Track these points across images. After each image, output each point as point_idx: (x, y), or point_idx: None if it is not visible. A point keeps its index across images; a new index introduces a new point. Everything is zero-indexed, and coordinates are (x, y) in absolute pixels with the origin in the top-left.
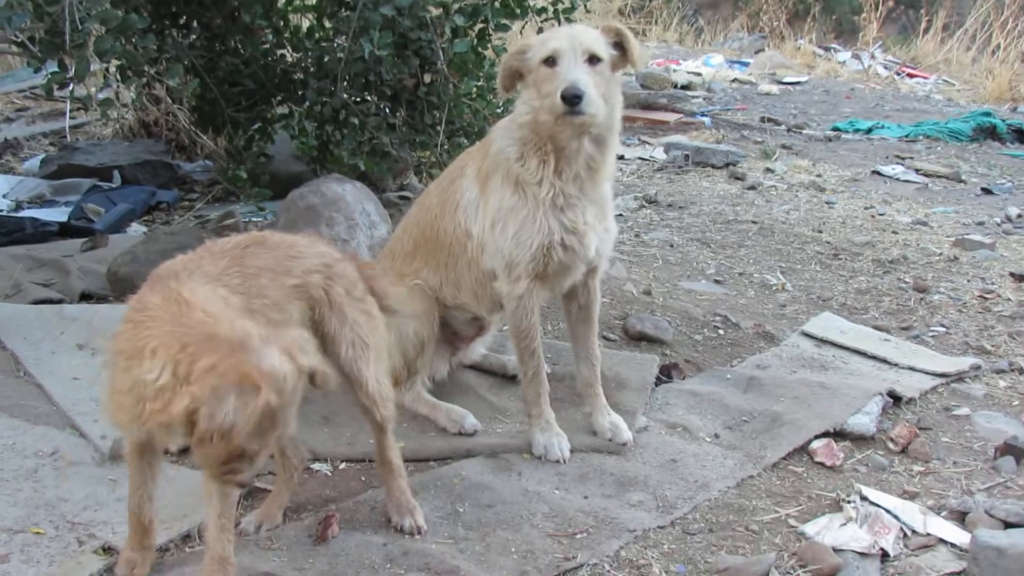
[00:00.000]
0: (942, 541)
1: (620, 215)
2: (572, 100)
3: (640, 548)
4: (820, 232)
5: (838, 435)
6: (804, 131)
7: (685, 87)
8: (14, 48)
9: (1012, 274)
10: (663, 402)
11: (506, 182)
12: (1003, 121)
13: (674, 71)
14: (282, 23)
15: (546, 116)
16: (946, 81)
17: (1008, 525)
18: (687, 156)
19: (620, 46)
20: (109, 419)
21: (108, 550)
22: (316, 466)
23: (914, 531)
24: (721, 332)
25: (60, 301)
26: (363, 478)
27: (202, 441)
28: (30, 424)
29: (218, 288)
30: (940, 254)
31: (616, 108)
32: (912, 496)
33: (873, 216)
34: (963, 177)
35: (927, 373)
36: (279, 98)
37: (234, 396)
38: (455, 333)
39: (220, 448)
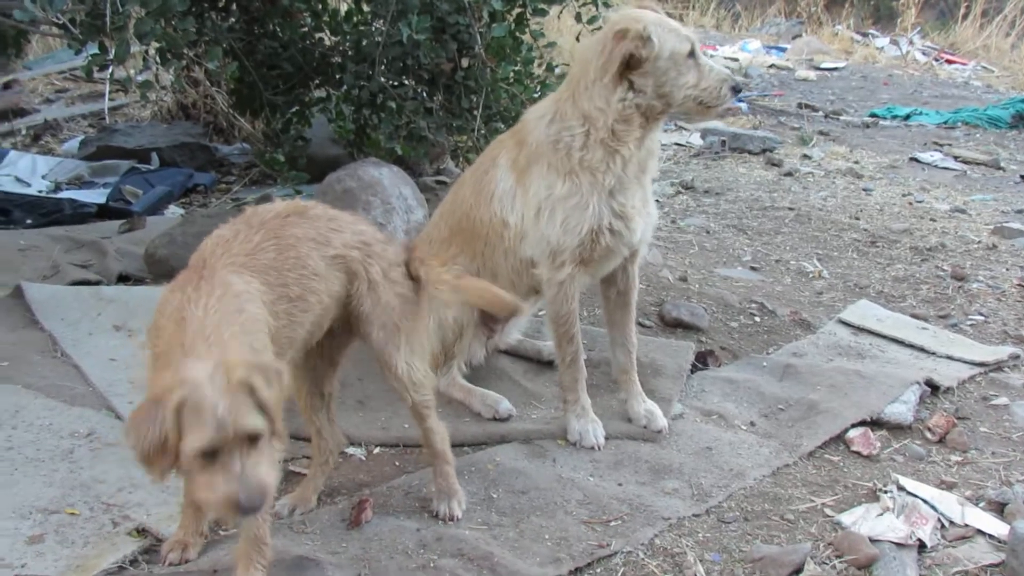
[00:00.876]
0: (980, 532)
1: (657, 201)
2: (738, 90)
3: (675, 536)
4: (857, 219)
5: (875, 424)
6: (841, 117)
7: None
8: (55, 30)
9: None
10: (698, 389)
11: (553, 171)
12: None
13: (711, 56)
14: (320, 6)
15: (689, 103)
16: (985, 67)
17: None
18: (724, 142)
19: None
20: None
21: (142, 532)
22: (350, 450)
23: (952, 522)
24: (757, 319)
25: (98, 282)
26: (397, 463)
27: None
28: (67, 405)
29: (243, 275)
30: (979, 242)
31: None
32: (950, 486)
33: (911, 203)
34: (1002, 164)
35: (965, 362)
36: (317, 81)
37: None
38: (491, 316)
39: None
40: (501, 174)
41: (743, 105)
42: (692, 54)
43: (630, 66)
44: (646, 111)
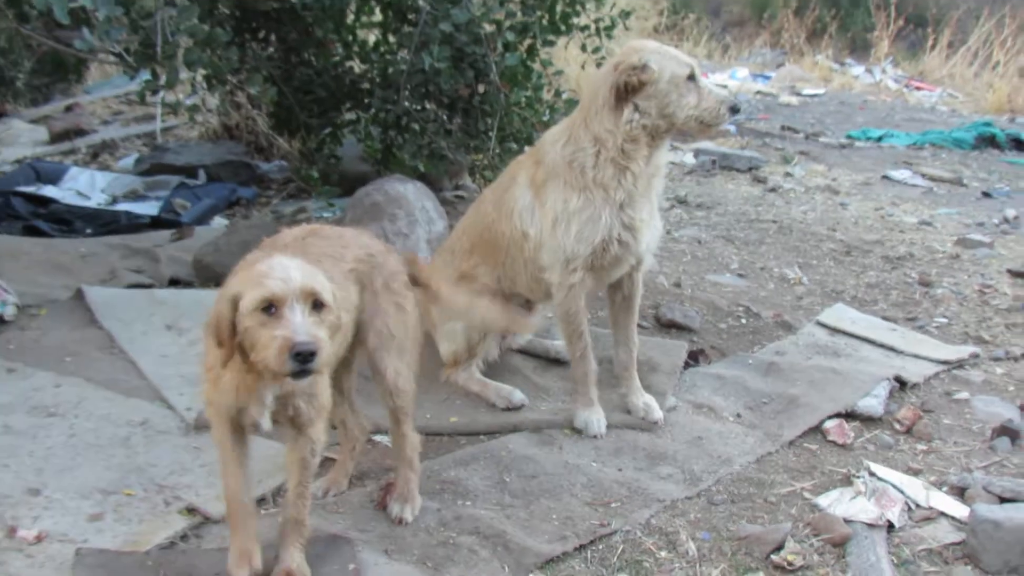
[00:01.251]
0: (943, 514)
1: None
2: (737, 110)
3: (669, 517)
4: (834, 231)
5: (849, 416)
6: (820, 139)
7: None
8: (111, 58)
9: (1009, 271)
10: (691, 384)
11: (567, 187)
12: (1002, 131)
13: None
14: (351, 38)
15: (691, 123)
16: (950, 94)
17: (1003, 500)
18: (714, 161)
19: None
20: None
21: (192, 511)
22: (377, 438)
23: (918, 504)
24: (744, 321)
25: (151, 286)
26: (419, 449)
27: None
28: (123, 396)
29: None
30: (943, 252)
31: None
32: (916, 472)
33: (882, 217)
34: (965, 182)
35: (930, 360)
36: (347, 105)
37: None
38: None
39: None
40: (521, 191)
41: (732, 128)
42: (692, 77)
43: (633, 91)
44: (652, 131)
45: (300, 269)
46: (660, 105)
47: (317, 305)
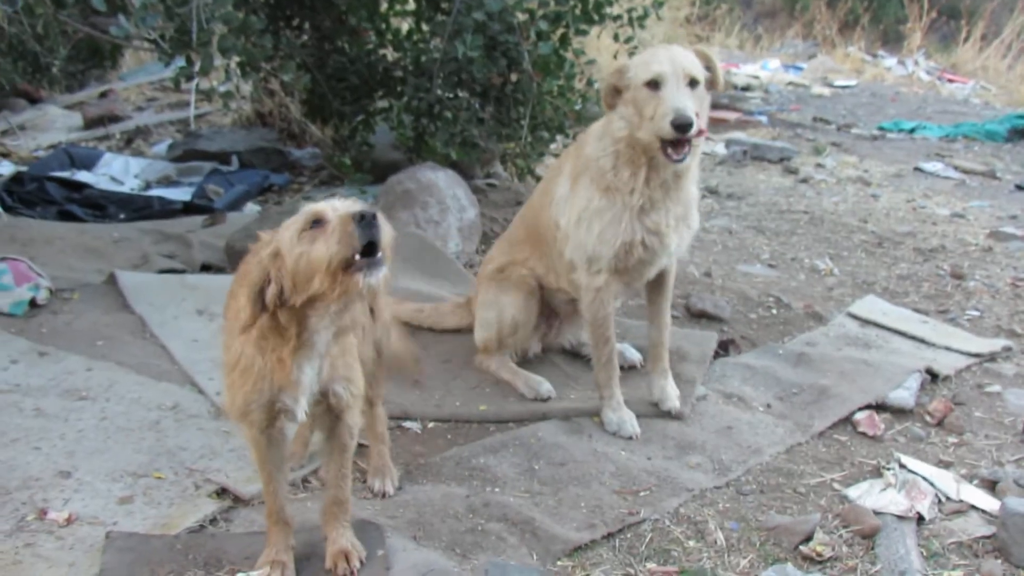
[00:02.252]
0: (973, 507)
1: None
2: (683, 128)
3: (697, 506)
4: (865, 222)
5: (879, 408)
6: (852, 130)
7: (744, 88)
8: (147, 44)
9: None
10: (721, 374)
11: (594, 186)
12: None
13: (735, 74)
14: (384, 26)
15: (646, 135)
16: (983, 86)
17: None
18: (745, 151)
19: (708, 70)
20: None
21: (222, 494)
22: (407, 424)
23: (948, 497)
24: (774, 312)
25: (183, 271)
26: (449, 436)
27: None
28: (155, 380)
29: None
30: (976, 244)
31: (703, 122)
32: (947, 465)
33: (914, 208)
34: (998, 174)
35: (962, 353)
36: (380, 93)
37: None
38: (554, 311)
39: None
40: (562, 180)
41: (763, 118)
42: (653, 84)
43: (618, 95)
44: (641, 141)
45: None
46: (635, 111)
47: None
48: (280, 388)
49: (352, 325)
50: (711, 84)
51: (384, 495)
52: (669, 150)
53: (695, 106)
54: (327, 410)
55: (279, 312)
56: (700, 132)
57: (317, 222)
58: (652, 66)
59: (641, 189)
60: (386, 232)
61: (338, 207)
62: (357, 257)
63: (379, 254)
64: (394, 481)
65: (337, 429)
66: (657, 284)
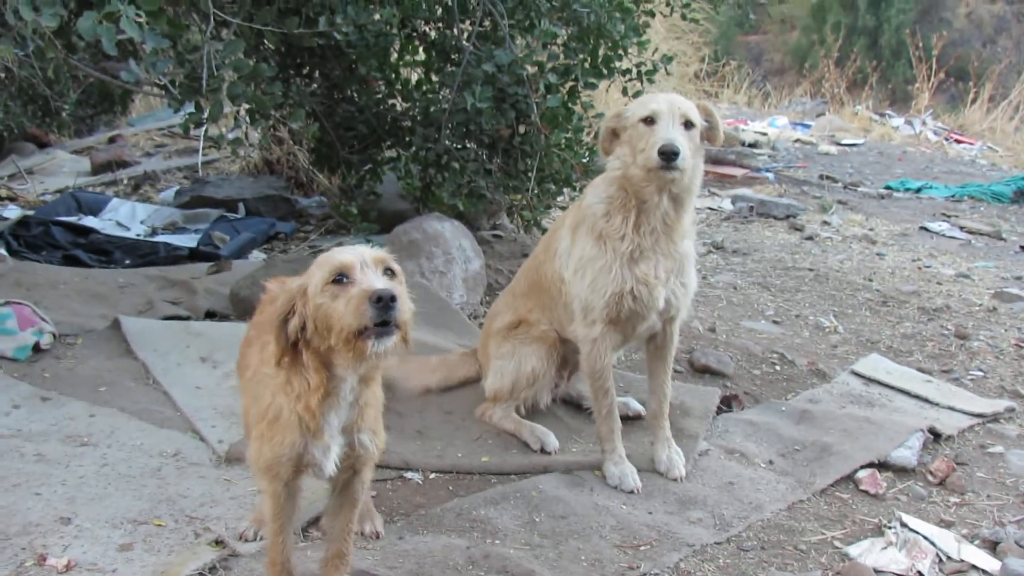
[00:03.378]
0: (974, 567)
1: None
2: (669, 156)
3: (698, 561)
4: (871, 280)
5: (882, 466)
6: (859, 188)
7: (752, 145)
8: (156, 90)
9: None
10: (723, 429)
11: (589, 234)
12: None
13: (742, 130)
14: (393, 76)
15: (637, 170)
16: (990, 147)
17: None
18: (751, 207)
19: (707, 122)
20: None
21: (221, 543)
22: (408, 475)
23: (949, 557)
24: (778, 368)
25: (187, 318)
26: (450, 487)
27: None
28: (156, 427)
29: None
30: (980, 305)
31: (697, 173)
32: (948, 525)
33: (920, 268)
34: (1003, 235)
35: (965, 413)
36: (388, 143)
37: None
38: (564, 361)
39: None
40: (564, 233)
41: (770, 175)
42: (648, 120)
43: (616, 137)
44: (633, 178)
45: (368, 248)
46: (631, 150)
47: (389, 272)
48: (309, 440)
49: (376, 375)
50: (710, 137)
51: (378, 535)
52: (662, 166)
53: (688, 144)
54: (347, 463)
55: (304, 351)
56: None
57: (341, 276)
58: (650, 105)
59: (631, 236)
60: (404, 311)
61: (367, 262)
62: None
63: (390, 331)
64: (380, 523)
65: (352, 483)
66: (656, 350)
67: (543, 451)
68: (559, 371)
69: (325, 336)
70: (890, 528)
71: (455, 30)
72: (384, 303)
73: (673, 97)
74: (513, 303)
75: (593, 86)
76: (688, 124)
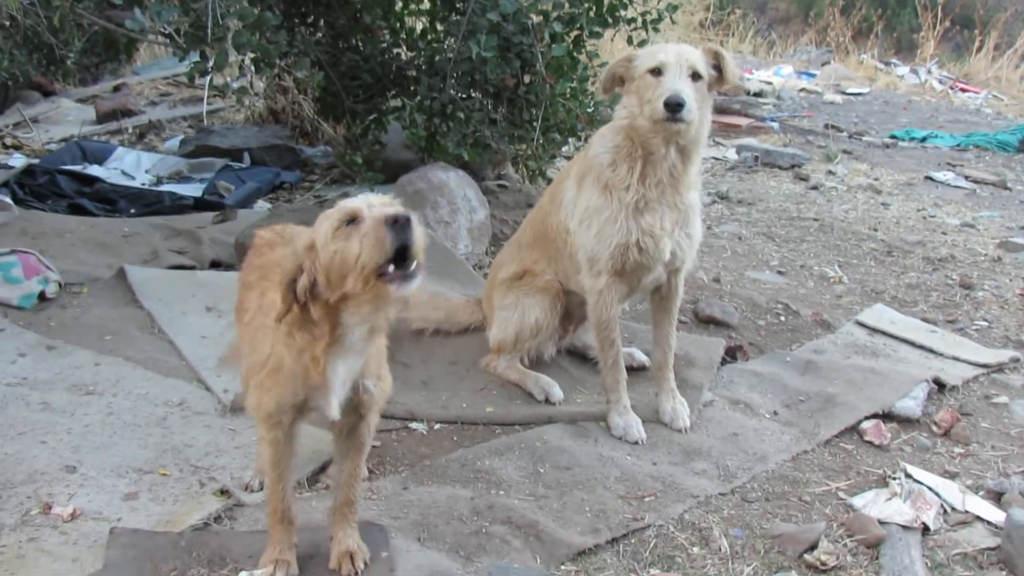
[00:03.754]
0: (979, 518)
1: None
2: (674, 107)
3: (702, 512)
4: (875, 230)
5: (886, 417)
6: (864, 138)
7: (757, 94)
8: (161, 39)
9: None
10: (727, 380)
11: (595, 184)
12: None
13: (747, 80)
14: (398, 25)
15: (644, 121)
16: (996, 96)
17: None
18: (756, 157)
19: (717, 68)
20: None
21: (225, 492)
22: (413, 425)
23: (953, 508)
24: (782, 319)
25: (192, 267)
26: (455, 438)
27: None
28: (162, 376)
29: None
30: (985, 254)
31: (704, 125)
32: (952, 476)
33: (925, 217)
34: (1009, 185)
35: (970, 363)
36: (393, 92)
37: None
38: (568, 314)
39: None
40: (569, 184)
41: (775, 124)
42: (655, 71)
43: (621, 84)
44: (639, 129)
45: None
46: (637, 100)
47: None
48: (313, 388)
49: (385, 325)
50: (720, 80)
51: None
52: (667, 118)
53: (694, 96)
54: (352, 409)
55: (311, 306)
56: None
57: (352, 220)
58: (658, 55)
59: (636, 186)
60: (419, 237)
61: (374, 204)
62: (391, 268)
63: (413, 265)
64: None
65: (358, 428)
66: (661, 301)
67: (547, 402)
68: (563, 322)
69: (339, 284)
70: (895, 479)
71: None
72: (400, 224)
73: (682, 48)
74: (518, 254)
75: (598, 35)
76: (695, 75)
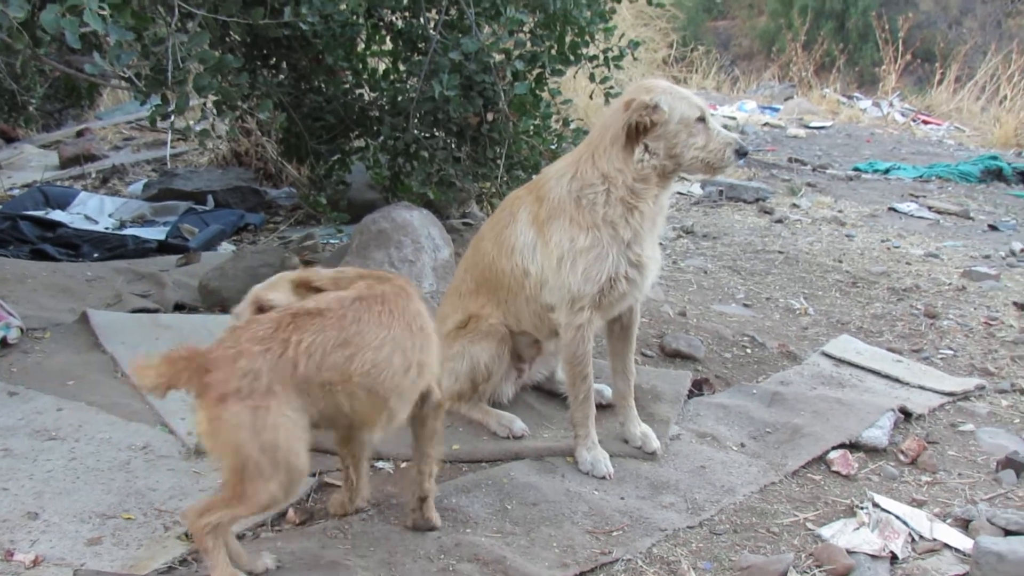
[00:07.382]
0: (947, 546)
1: (660, 244)
2: (745, 154)
3: (671, 546)
4: (840, 262)
5: (853, 447)
6: (827, 171)
7: None
8: (123, 83)
9: (1015, 303)
10: (694, 413)
11: (575, 224)
12: (1008, 164)
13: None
14: (361, 65)
15: (714, 161)
16: (957, 128)
17: (1008, 533)
18: (721, 191)
19: None
20: None
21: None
22: (379, 464)
23: (921, 536)
24: (748, 351)
25: (156, 310)
26: None
27: None
28: (125, 420)
29: None
30: (949, 284)
31: None
32: (920, 504)
33: (889, 248)
34: (971, 215)
35: (936, 392)
36: (357, 132)
37: None
38: (519, 355)
39: None
40: (521, 227)
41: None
42: (702, 119)
43: (644, 131)
44: (660, 171)
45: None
46: (668, 146)
47: None
48: None
49: None
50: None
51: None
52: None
53: None
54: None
55: None
56: None
57: None
58: (694, 101)
59: (635, 224)
60: None
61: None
62: None
63: None
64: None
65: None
66: (622, 330)
67: (512, 437)
68: (515, 363)
69: None
70: (862, 508)
71: (422, 19)
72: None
73: (692, 94)
74: (460, 303)
75: (560, 72)
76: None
